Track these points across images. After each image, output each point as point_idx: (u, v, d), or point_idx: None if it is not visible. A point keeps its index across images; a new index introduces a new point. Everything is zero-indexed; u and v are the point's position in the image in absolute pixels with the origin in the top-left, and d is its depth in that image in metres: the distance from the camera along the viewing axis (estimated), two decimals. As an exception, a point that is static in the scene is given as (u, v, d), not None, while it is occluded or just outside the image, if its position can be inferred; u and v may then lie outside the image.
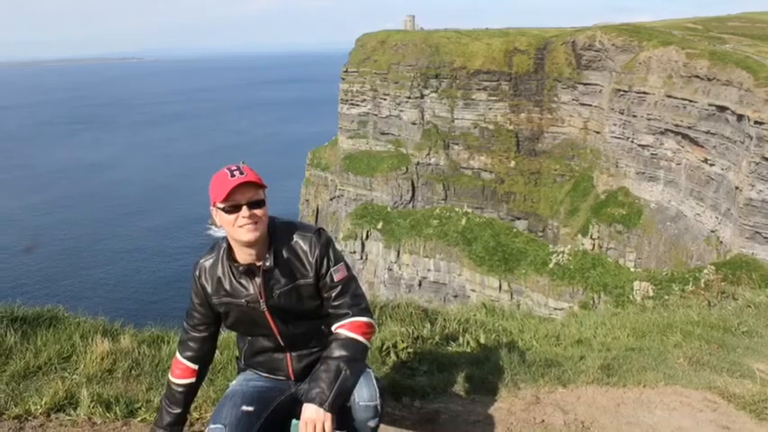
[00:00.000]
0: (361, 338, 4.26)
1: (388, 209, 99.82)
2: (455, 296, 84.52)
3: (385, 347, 6.94)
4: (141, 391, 5.83)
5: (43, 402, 5.37)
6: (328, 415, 3.94)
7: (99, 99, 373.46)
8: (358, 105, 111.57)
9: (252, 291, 4.27)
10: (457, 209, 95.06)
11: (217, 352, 5.29)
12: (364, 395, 4.15)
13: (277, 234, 4.27)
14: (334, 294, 4.32)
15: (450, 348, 7.46)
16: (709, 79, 71.07)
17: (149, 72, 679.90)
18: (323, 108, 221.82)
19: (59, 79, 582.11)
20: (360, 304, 4.35)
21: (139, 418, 5.34)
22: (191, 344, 4.55)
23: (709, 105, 70.15)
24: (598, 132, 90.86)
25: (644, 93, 79.89)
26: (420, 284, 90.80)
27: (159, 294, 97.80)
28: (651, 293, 55.52)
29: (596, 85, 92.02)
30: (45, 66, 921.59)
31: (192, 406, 5.04)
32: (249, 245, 4.15)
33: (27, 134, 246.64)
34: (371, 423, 4.16)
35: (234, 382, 4.68)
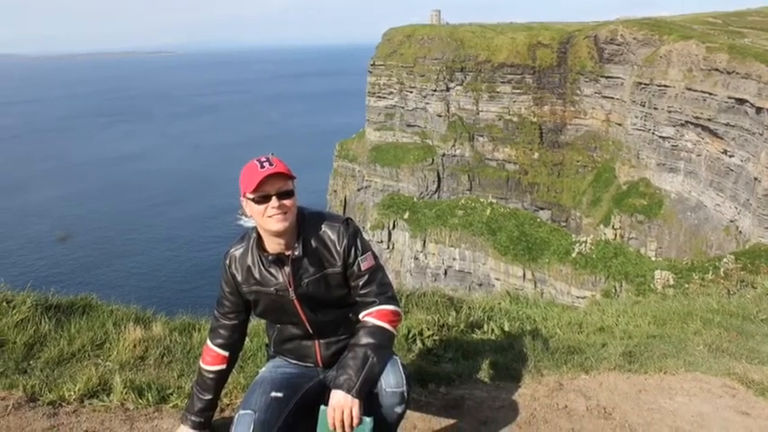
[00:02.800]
0: (387, 326, 4.31)
1: (415, 199, 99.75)
2: (480, 285, 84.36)
3: (411, 335, 6.96)
4: (173, 378, 5.85)
5: (77, 389, 5.38)
6: (356, 401, 3.99)
7: (131, 92, 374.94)
8: (385, 98, 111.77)
9: (281, 279, 4.32)
10: (482, 199, 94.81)
11: (247, 339, 5.33)
12: (391, 381, 4.19)
13: (306, 224, 4.32)
14: (361, 283, 4.36)
15: (474, 336, 7.47)
16: (728, 72, 71.28)
17: (180, 65, 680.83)
18: (351, 100, 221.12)
19: (92, 72, 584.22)
20: (386, 293, 4.40)
21: (171, 405, 5.36)
22: (221, 331, 4.62)
23: (729, 98, 70.52)
24: (620, 124, 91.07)
25: (665, 86, 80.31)
26: (445, 273, 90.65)
27: (190, 283, 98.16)
28: (672, 282, 55.30)
29: (618, 78, 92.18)
30: (77, 59, 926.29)
31: (223, 392, 5.07)
32: (278, 234, 4.21)
33: (61, 126, 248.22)
34: (398, 409, 4.22)
35: (263, 368, 4.73)
